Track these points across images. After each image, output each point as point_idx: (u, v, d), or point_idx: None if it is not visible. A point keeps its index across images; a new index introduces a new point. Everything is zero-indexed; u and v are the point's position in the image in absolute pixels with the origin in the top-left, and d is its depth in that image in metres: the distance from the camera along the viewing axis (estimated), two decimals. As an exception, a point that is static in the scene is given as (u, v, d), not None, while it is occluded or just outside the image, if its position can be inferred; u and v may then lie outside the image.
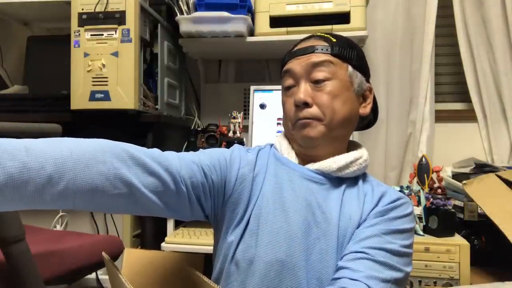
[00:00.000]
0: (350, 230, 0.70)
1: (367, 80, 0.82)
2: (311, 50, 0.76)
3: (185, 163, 0.69)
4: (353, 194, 0.76)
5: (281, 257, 0.68)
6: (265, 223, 0.72)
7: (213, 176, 0.73)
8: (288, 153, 0.81)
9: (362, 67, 0.80)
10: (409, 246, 0.71)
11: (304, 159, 0.80)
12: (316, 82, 0.75)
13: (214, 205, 0.75)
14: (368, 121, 0.89)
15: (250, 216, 0.73)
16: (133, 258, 0.66)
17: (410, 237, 0.72)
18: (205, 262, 0.97)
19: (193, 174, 0.69)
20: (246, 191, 0.75)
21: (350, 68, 0.77)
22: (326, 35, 0.79)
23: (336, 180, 0.76)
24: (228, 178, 0.75)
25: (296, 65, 0.77)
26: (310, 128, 0.75)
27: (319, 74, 0.75)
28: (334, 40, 0.78)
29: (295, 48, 0.80)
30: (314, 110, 0.75)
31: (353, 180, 0.78)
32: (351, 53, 0.78)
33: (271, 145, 0.88)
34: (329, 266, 0.68)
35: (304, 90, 0.75)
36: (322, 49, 0.76)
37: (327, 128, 0.75)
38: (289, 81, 0.79)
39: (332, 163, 0.75)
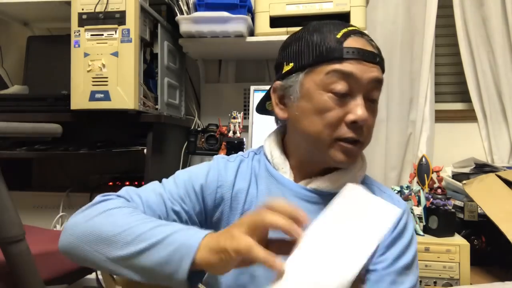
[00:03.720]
0: None
1: None
2: (376, 59, 0.66)
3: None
4: None
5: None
6: None
7: (185, 207, 0.69)
8: (282, 168, 0.72)
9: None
10: (415, 255, 0.70)
11: (300, 172, 0.72)
12: (371, 101, 0.67)
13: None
14: None
15: None
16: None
17: (414, 249, 0.71)
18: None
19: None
20: (225, 212, 0.71)
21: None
22: (368, 35, 0.70)
23: (331, 196, 0.69)
24: (205, 202, 0.71)
25: (360, 71, 0.64)
26: (352, 155, 0.67)
27: (376, 94, 0.67)
28: (377, 48, 0.69)
29: (354, 46, 0.65)
30: (365, 133, 0.67)
31: None
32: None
33: (255, 152, 0.79)
34: None
35: (365, 107, 0.65)
36: (381, 60, 0.68)
37: (361, 151, 0.70)
38: (343, 87, 0.64)
39: (331, 183, 0.69)
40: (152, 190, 0.70)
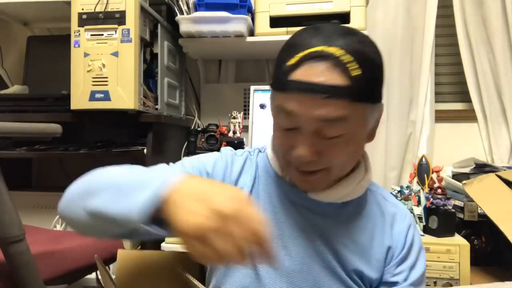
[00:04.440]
0: (354, 257, 0.67)
1: (381, 100, 0.63)
2: (321, 91, 0.54)
3: None
4: (358, 219, 0.69)
5: None
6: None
7: None
8: (282, 171, 0.70)
9: (381, 91, 0.61)
10: (425, 267, 0.71)
11: None
12: (326, 137, 0.59)
13: None
14: None
15: None
16: (126, 259, 0.66)
17: (424, 260, 0.71)
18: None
19: None
20: None
21: (369, 109, 0.59)
22: (343, 59, 0.54)
23: (331, 205, 0.68)
24: None
25: (304, 109, 0.56)
26: (309, 183, 0.64)
27: (331, 132, 0.58)
28: (358, 72, 0.55)
29: (295, 74, 0.56)
30: (319, 165, 0.61)
31: (359, 199, 0.70)
32: (374, 84, 0.58)
33: (259, 150, 0.77)
34: None
35: (308, 147, 0.58)
36: (339, 93, 0.54)
37: (333, 177, 0.64)
38: (287, 123, 0.59)
39: (331, 195, 0.66)
40: (160, 169, 0.69)
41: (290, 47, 0.59)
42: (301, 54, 0.56)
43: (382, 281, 0.69)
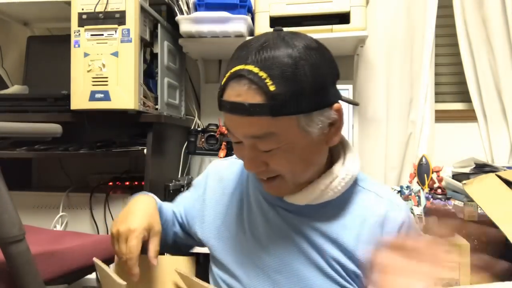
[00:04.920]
0: (336, 254, 0.66)
1: (332, 102, 0.62)
2: (242, 110, 0.57)
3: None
4: (341, 218, 0.68)
5: None
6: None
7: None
8: None
9: (320, 98, 0.59)
10: None
11: None
12: (262, 150, 0.61)
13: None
14: None
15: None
16: (123, 262, 0.66)
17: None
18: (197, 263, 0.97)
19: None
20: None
21: (302, 119, 0.58)
22: (259, 75, 0.56)
23: (308, 207, 0.68)
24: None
25: (234, 126, 0.61)
26: (271, 188, 0.67)
27: (263, 146, 0.60)
28: (273, 88, 0.55)
29: (224, 94, 0.60)
30: (270, 173, 0.64)
31: (342, 197, 0.69)
32: (299, 96, 0.56)
33: None
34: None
35: (251, 159, 0.62)
36: (258, 111, 0.56)
37: (291, 182, 0.65)
38: (232, 138, 0.64)
39: (305, 197, 0.67)
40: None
41: (226, 67, 0.62)
42: (227, 75, 0.59)
43: None
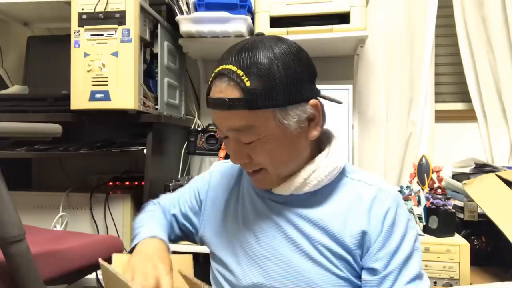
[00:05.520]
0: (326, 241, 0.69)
1: (308, 98, 0.67)
2: (221, 105, 0.64)
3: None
4: (328, 206, 0.71)
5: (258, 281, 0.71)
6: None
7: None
8: None
9: (294, 93, 0.64)
10: (413, 244, 0.70)
11: None
12: (244, 143, 0.67)
13: None
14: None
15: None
16: (122, 263, 0.66)
17: (411, 238, 0.69)
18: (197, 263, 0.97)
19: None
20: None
21: (277, 112, 0.64)
22: (237, 73, 0.63)
23: (292, 196, 0.72)
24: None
25: (218, 120, 0.68)
26: (257, 180, 0.72)
27: (244, 138, 0.66)
28: (248, 84, 0.62)
29: (212, 94, 0.67)
30: (254, 166, 0.70)
31: (328, 188, 0.72)
32: (273, 90, 0.62)
33: None
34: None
35: (236, 153, 0.69)
36: (237, 105, 0.62)
37: (275, 175, 0.70)
38: (220, 133, 0.72)
39: (288, 187, 0.71)
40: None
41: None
42: (212, 75, 0.67)
43: (364, 266, 0.68)
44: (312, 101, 0.68)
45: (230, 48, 0.69)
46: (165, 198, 0.91)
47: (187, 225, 0.86)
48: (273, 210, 0.74)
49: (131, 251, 0.73)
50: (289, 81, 0.64)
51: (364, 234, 0.68)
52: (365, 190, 0.71)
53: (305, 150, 0.71)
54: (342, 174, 0.74)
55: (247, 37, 1.46)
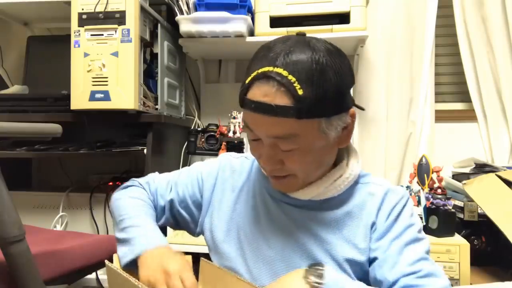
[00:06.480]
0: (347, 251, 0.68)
1: (349, 107, 0.65)
2: (268, 111, 0.59)
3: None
4: (341, 213, 0.71)
5: None
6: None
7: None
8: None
9: (340, 103, 0.62)
10: (419, 232, 0.70)
11: None
12: (281, 150, 0.64)
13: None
14: None
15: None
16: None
17: (416, 228, 0.70)
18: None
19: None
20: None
21: (323, 123, 0.61)
22: (288, 79, 0.58)
23: (310, 201, 0.71)
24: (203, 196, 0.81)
25: (256, 125, 0.63)
26: (282, 186, 0.70)
27: (284, 146, 0.63)
28: (301, 92, 0.57)
29: (249, 93, 0.61)
30: (283, 171, 0.67)
31: (342, 194, 0.72)
32: (324, 100, 0.59)
33: None
34: None
35: (269, 158, 0.65)
36: (285, 113, 0.58)
37: (302, 180, 0.68)
38: (250, 134, 0.66)
39: (308, 194, 0.70)
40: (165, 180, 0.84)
41: (249, 65, 0.64)
42: (252, 75, 0.61)
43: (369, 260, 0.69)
44: (351, 110, 0.66)
45: (272, 48, 0.62)
46: (156, 180, 0.84)
47: (183, 213, 0.81)
48: (287, 214, 0.72)
49: (132, 262, 0.67)
50: (337, 91, 0.61)
51: (373, 225, 0.69)
52: (377, 189, 0.72)
53: (334, 157, 0.71)
54: (355, 181, 0.74)
55: (247, 37, 1.46)
